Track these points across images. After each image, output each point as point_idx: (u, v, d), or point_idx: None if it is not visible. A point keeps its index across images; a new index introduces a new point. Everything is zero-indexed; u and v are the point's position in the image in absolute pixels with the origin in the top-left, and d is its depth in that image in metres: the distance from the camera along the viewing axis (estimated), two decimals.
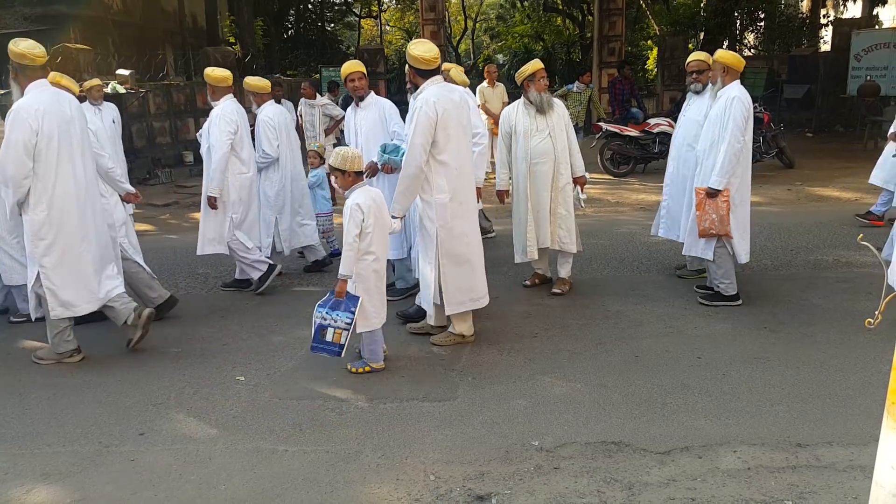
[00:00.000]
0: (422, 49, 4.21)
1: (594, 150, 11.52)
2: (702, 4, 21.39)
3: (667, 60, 16.76)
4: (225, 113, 5.51)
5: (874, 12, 20.34)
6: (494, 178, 5.84)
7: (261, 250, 5.88)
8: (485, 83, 11.43)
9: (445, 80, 6.51)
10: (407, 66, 4.34)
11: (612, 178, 11.17)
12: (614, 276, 5.94)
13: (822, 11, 22.50)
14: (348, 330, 3.95)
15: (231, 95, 5.73)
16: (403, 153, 4.50)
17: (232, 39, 22.24)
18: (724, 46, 20.84)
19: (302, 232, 6.24)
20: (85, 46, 13.26)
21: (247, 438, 3.41)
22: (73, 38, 15.46)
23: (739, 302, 5.03)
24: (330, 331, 3.96)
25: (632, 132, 11.07)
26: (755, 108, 11.62)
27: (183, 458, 3.23)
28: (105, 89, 7.72)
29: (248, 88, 6.15)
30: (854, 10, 22.46)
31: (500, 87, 11.49)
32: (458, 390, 3.86)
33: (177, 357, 4.48)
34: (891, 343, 1.88)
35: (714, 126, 4.86)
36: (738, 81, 4.90)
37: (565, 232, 5.38)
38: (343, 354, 4.00)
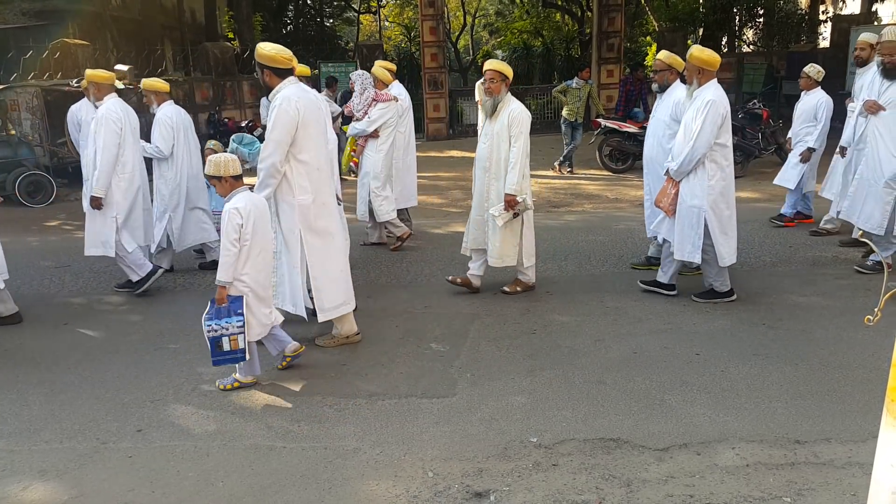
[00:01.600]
0: (274, 49, 4.08)
1: (593, 146, 11.52)
2: (701, 1, 21.35)
3: None
4: (110, 112, 5.48)
5: (873, 8, 20.28)
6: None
7: (150, 249, 5.97)
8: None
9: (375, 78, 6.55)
10: (259, 67, 4.12)
11: (610, 174, 11.16)
12: (613, 273, 5.93)
13: (821, 8, 22.44)
14: (243, 332, 3.75)
15: (115, 94, 5.69)
16: (258, 147, 4.45)
17: (231, 35, 22.18)
18: (724, 42, 20.84)
19: (198, 230, 6.24)
20: (83, 42, 13.24)
21: (245, 435, 3.40)
22: (71, 33, 15.44)
23: (734, 297, 5.03)
24: (225, 340, 3.75)
25: (630, 129, 11.06)
26: (754, 104, 11.66)
27: (181, 455, 3.23)
28: None
29: (148, 89, 6.13)
30: (853, 7, 22.40)
31: None
32: (456, 387, 3.86)
33: (175, 353, 4.47)
34: (889, 339, 1.87)
35: (687, 129, 4.81)
36: (714, 81, 4.80)
37: (494, 245, 5.24)
38: (248, 356, 3.80)
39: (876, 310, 1.84)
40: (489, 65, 5.21)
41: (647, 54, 24.62)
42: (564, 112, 11.30)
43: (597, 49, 17.50)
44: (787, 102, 16.83)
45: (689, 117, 4.80)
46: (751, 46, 22.01)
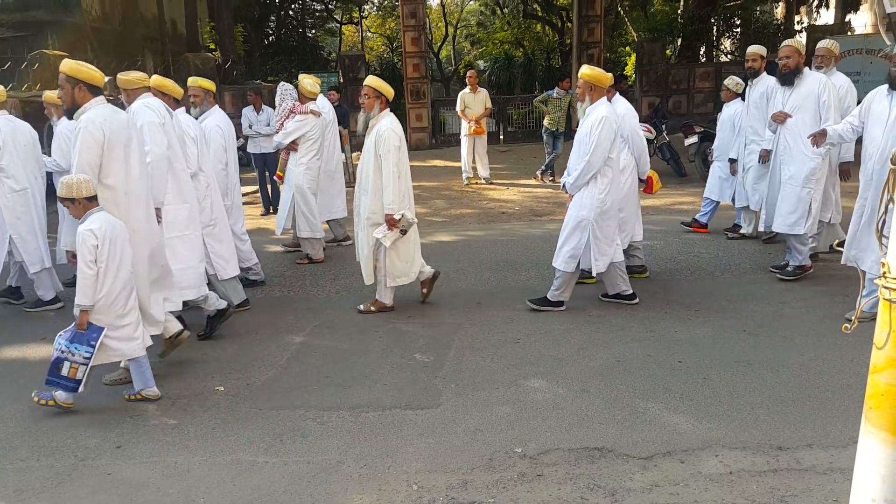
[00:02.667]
0: (87, 65, 3.93)
1: None
2: (679, 11, 21.61)
3: (645, 66, 16.92)
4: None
5: (846, 19, 20.68)
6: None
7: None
8: (466, 89, 11.46)
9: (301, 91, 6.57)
10: (70, 83, 3.90)
11: None
12: (596, 281, 5.95)
13: (797, 18, 22.83)
14: (86, 365, 3.65)
15: (3, 111, 5.57)
16: None
17: (212, 45, 22.10)
18: (702, 52, 21.11)
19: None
20: (63, 53, 13.10)
21: (226, 450, 3.36)
22: (50, 44, 15.29)
23: (563, 308, 5.16)
24: (66, 364, 3.64)
25: None
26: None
27: (161, 471, 3.18)
28: None
29: (48, 101, 6.10)
30: (827, 17, 22.80)
31: (483, 92, 11.54)
32: (441, 397, 3.84)
33: (154, 367, 4.40)
34: (868, 345, 1.89)
35: (582, 145, 4.90)
36: (604, 99, 4.94)
37: (363, 262, 5.26)
38: (81, 389, 3.69)
39: (854, 318, 1.86)
40: (366, 80, 5.15)
41: (627, 64, 24.86)
42: (546, 121, 11.37)
43: (577, 59, 17.63)
44: None
45: (584, 133, 4.91)
46: (728, 56, 22.31)
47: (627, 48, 26.51)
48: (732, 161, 7.05)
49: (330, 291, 5.98)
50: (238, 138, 13.37)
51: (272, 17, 27.81)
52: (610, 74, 5.08)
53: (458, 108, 11.60)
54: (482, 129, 11.29)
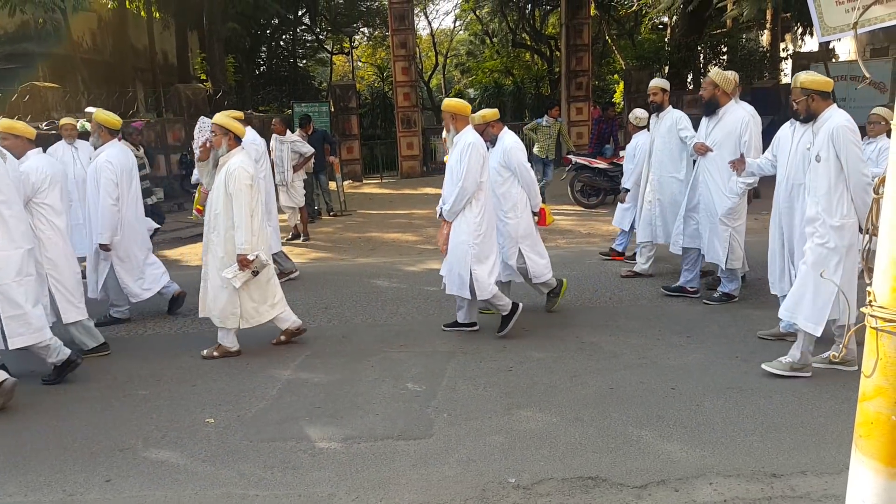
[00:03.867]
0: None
1: (564, 182, 11.68)
2: (666, 39, 21.97)
3: (633, 94, 17.13)
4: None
5: (830, 46, 21.04)
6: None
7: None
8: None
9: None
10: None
11: (582, 209, 11.31)
12: (588, 308, 5.97)
13: (782, 45, 23.24)
14: None
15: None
16: None
17: (203, 76, 22.25)
18: (689, 79, 21.40)
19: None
20: (53, 84, 13.17)
21: (217, 483, 3.32)
22: (41, 76, 15.37)
23: (476, 328, 5.42)
24: None
25: (600, 164, 11.26)
26: None
27: None
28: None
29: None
30: (812, 45, 23.23)
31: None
32: (433, 427, 3.82)
33: (144, 399, 4.37)
34: (859, 371, 1.90)
35: (454, 172, 5.03)
36: (470, 127, 5.12)
37: (214, 304, 5.04)
38: None
39: (841, 346, 1.87)
40: (214, 118, 5.11)
41: (615, 92, 25.18)
42: (535, 149, 11.47)
43: (566, 87, 17.88)
44: None
45: (454, 160, 5.05)
46: None
47: (616, 76, 26.87)
48: (626, 190, 7.29)
49: (321, 321, 5.96)
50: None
51: (263, 48, 28.04)
52: (468, 104, 5.30)
53: (443, 136, 11.68)
54: None
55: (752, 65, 21.21)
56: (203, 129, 6.40)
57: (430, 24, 33.76)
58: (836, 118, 4.14)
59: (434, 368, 4.69)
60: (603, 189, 11.35)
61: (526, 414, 3.94)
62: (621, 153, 11.40)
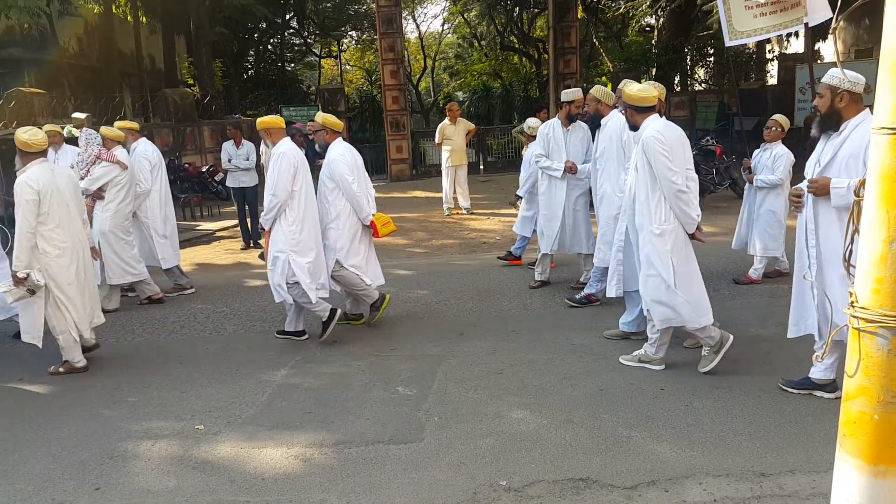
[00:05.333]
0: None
1: None
2: (653, 42, 22.09)
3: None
4: None
5: (816, 48, 21.24)
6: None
7: None
8: (446, 120, 11.59)
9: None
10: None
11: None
12: (578, 310, 5.98)
13: (768, 47, 23.40)
14: None
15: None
16: None
17: (191, 81, 22.18)
18: (676, 81, 21.53)
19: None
20: (39, 90, 13.10)
21: (207, 490, 3.31)
22: (27, 82, 15.27)
23: (305, 337, 5.50)
24: None
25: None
26: (707, 141, 12.00)
27: None
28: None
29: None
30: (797, 46, 23.41)
31: (463, 122, 11.67)
32: (424, 431, 3.82)
33: (134, 407, 4.36)
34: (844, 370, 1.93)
35: (268, 182, 5.26)
36: (287, 139, 5.36)
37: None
38: None
39: (825, 345, 1.89)
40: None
41: None
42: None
43: (554, 90, 17.92)
44: (739, 138, 17.40)
45: (270, 170, 5.25)
46: (703, 85, 22.78)
47: (604, 78, 26.97)
48: (519, 198, 7.33)
49: (312, 325, 5.95)
50: (217, 173, 13.37)
51: (251, 52, 28.00)
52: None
53: (436, 140, 11.72)
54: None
55: (739, 67, 21.37)
56: (90, 141, 6.37)
57: (418, 27, 33.85)
58: (649, 129, 4.24)
59: (424, 372, 4.69)
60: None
61: (517, 416, 3.96)
62: None
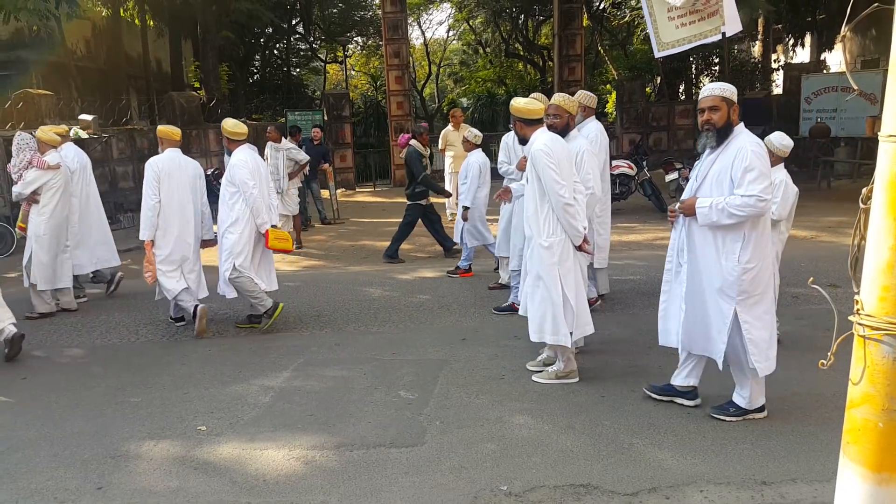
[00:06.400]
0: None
1: None
2: None
3: (625, 104, 17.25)
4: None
5: (822, 57, 21.27)
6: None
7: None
8: (449, 126, 11.62)
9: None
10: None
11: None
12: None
13: (773, 56, 23.43)
14: None
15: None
16: None
17: (197, 84, 22.26)
18: (681, 90, 21.55)
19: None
20: (47, 92, 13.15)
21: (209, 491, 3.31)
22: (34, 83, 15.34)
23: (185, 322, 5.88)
24: None
25: None
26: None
27: None
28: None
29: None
30: (803, 56, 23.44)
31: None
32: (425, 435, 3.82)
33: (137, 407, 4.36)
34: (847, 378, 1.93)
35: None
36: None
37: None
38: None
39: (829, 354, 1.90)
40: None
41: (608, 102, 25.33)
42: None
43: None
44: None
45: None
46: None
47: (608, 86, 27.04)
48: (466, 208, 7.34)
49: (314, 328, 5.96)
50: (222, 175, 13.39)
51: (257, 57, 28.08)
52: (178, 130, 6.08)
53: (440, 146, 11.74)
54: None
55: (744, 76, 21.40)
56: (22, 146, 6.36)
57: (423, 33, 33.92)
58: (537, 142, 4.25)
59: (426, 376, 4.69)
60: None
61: (518, 421, 3.95)
62: (613, 163, 11.47)
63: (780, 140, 4.88)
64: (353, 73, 34.00)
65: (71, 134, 7.71)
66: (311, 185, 11.61)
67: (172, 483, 3.40)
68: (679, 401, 4.06)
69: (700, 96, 3.77)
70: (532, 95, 5.31)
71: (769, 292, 3.73)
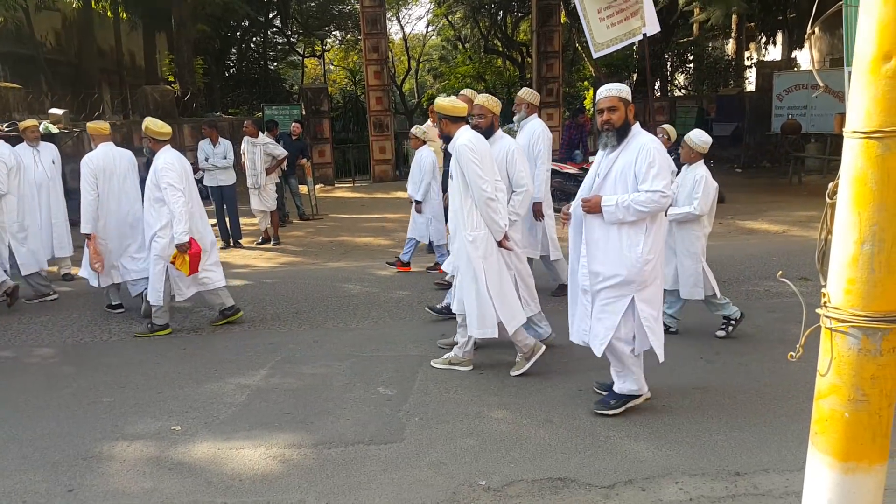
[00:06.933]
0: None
1: None
2: (634, 47, 22.27)
3: None
4: None
5: (793, 55, 21.57)
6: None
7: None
8: (429, 122, 11.57)
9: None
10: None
11: (554, 213, 11.39)
12: (557, 310, 6.00)
13: (746, 54, 23.71)
14: None
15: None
16: None
17: (171, 78, 21.95)
18: (656, 87, 21.72)
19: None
20: (15, 85, 12.91)
21: (184, 491, 3.28)
22: (3, 76, 15.04)
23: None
24: None
25: (571, 170, 11.38)
26: (679, 148, 12.15)
27: None
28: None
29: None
30: (774, 53, 23.76)
31: None
32: (404, 431, 3.82)
33: (109, 407, 4.30)
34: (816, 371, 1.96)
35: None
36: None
37: None
38: None
39: (798, 346, 1.93)
40: None
41: (585, 98, 25.45)
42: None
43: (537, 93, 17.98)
44: (717, 143, 17.60)
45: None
46: (682, 90, 23.02)
47: (585, 83, 27.17)
48: (418, 203, 7.41)
49: (292, 325, 5.93)
50: (196, 171, 13.28)
51: (233, 50, 27.73)
52: (106, 124, 6.14)
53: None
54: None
55: (718, 73, 21.63)
56: None
57: (402, 28, 33.88)
58: (461, 138, 4.34)
59: (405, 372, 4.69)
60: (572, 193, 11.46)
61: (497, 416, 3.97)
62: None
63: (699, 137, 5.20)
64: (331, 67, 33.77)
65: (41, 128, 7.57)
66: (290, 180, 11.54)
67: (146, 484, 3.36)
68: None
69: (597, 97, 3.82)
70: (458, 94, 5.63)
71: (659, 279, 3.87)
